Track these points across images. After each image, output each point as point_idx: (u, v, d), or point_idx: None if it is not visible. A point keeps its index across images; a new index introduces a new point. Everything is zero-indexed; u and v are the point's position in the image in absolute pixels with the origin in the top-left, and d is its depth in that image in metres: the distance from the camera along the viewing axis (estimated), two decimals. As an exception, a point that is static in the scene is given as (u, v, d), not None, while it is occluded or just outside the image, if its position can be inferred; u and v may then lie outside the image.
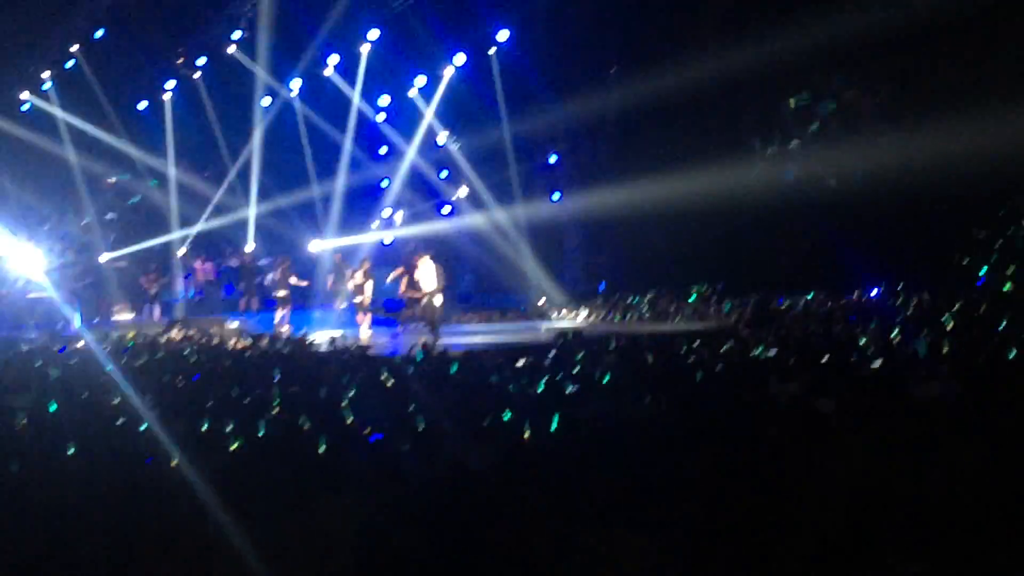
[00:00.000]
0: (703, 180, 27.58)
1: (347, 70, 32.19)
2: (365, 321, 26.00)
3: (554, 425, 9.56)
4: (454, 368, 14.52)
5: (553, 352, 16.08)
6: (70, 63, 31.53)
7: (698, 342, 16.40)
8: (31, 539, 7.36)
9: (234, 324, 27.28)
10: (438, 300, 23.42)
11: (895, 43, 25.22)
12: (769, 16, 26.81)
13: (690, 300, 26.24)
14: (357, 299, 26.36)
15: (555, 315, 28.38)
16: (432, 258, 23.92)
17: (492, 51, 30.65)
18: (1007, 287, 20.64)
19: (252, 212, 33.29)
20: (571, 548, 6.77)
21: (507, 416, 10.13)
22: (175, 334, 24.45)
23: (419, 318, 23.96)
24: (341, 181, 33.32)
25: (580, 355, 15.21)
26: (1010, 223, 24.75)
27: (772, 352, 14.32)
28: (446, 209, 34.27)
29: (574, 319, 27.46)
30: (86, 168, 32.83)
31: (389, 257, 30.20)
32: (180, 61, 32.42)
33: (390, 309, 28.13)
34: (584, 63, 30.35)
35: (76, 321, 27.68)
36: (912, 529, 6.47)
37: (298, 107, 33.57)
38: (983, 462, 7.15)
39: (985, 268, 22.45)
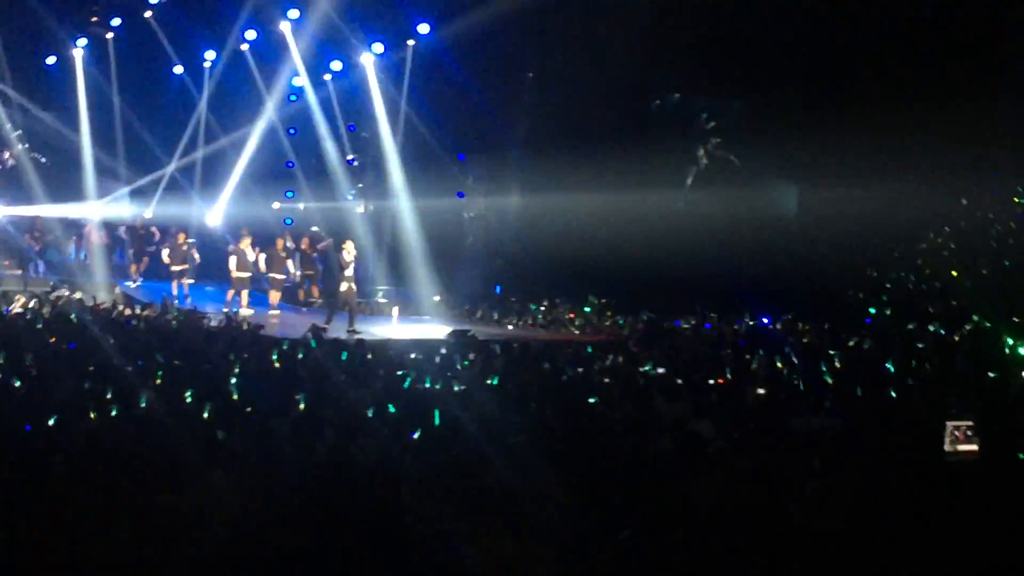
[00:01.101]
0: (605, 197, 27.91)
1: (263, 48, 31.84)
2: (244, 298, 25.53)
3: (436, 421, 9.55)
4: (344, 356, 14.45)
5: (444, 351, 16.07)
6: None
7: (589, 352, 16.52)
8: None
9: (120, 290, 26.92)
10: (353, 285, 23.14)
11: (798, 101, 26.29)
12: (683, 53, 27.47)
13: (586, 310, 26.31)
14: (240, 274, 25.84)
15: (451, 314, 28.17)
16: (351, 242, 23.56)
17: (411, 43, 30.63)
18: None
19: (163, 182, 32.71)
20: (441, 547, 6.77)
21: (392, 409, 10.11)
22: (62, 294, 24.01)
23: (336, 302, 23.43)
24: (244, 157, 32.74)
25: (471, 356, 15.23)
26: (900, 268, 25.30)
27: (660, 370, 14.43)
28: (350, 196, 34.02)
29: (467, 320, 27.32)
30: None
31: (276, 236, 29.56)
32: (94, 19, 31.79)
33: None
34: (502, 66, 30.39)
35: None
36: (777, 556, 6.57)
37: (206, 81, 32.98)
38: (855, 497, 7.28)
39: (873, 308, 22.85)
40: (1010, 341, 18.11)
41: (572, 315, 26.34)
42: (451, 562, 6.62)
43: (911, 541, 6.63)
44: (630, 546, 6.55)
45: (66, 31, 31.68)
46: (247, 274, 25.61)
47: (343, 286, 23.03)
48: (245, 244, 25.84)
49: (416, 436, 9.03)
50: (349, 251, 23.19)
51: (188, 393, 10.27)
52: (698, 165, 29.79)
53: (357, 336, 19.85)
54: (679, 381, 13.07)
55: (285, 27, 30.81)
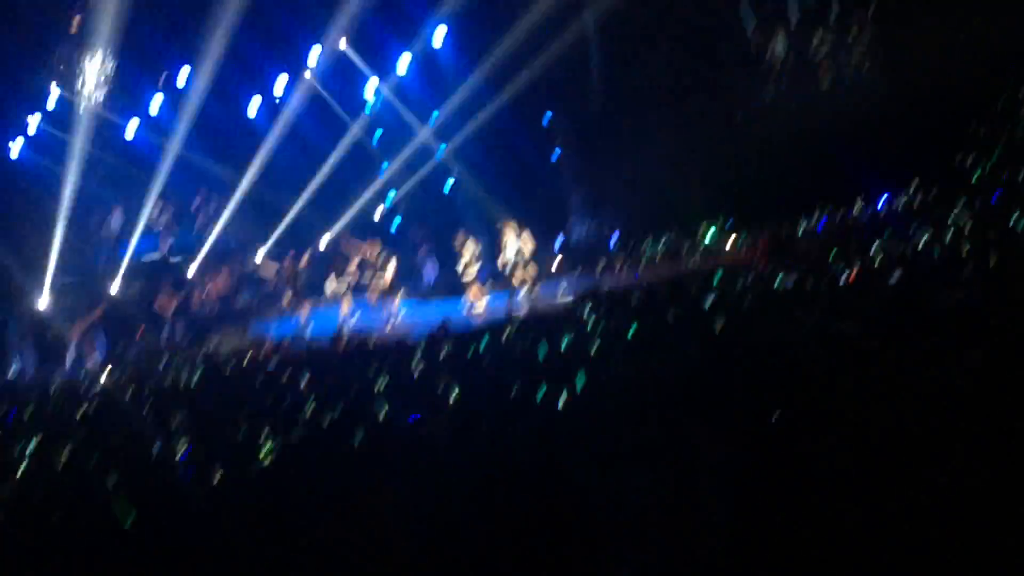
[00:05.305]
0: (694, 119, 27.74)
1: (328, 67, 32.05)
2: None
3: (579, 386, 9.55)
4: (484, 342, 14.49)
5: (574, 312, 16.07)
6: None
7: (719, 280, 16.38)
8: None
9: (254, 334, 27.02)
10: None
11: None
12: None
13: (708, 238, 26.04)
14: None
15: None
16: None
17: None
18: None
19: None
20: (616, 510, 6.80)
21: (537, 386, 10.13)
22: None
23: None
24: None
25: (600, 312, 15.18)
26: (1008, 119, 24.60)
27: (791, 281, 14.25)
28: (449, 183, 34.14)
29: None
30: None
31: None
32: (164, 76, 32.20)
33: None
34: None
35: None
36: (941, 443, 6.48)
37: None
38: (1009, 368, 7.14)
39: (988, 165, 22.25)
40: None
41: (693, 244, 26.10)
42: (627, 512, 6.66)
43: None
44: (797, 468, 6.53)
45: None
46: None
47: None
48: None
49: (561, 405, 9.08)
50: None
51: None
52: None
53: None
54: (811, 287, 12.95)
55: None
